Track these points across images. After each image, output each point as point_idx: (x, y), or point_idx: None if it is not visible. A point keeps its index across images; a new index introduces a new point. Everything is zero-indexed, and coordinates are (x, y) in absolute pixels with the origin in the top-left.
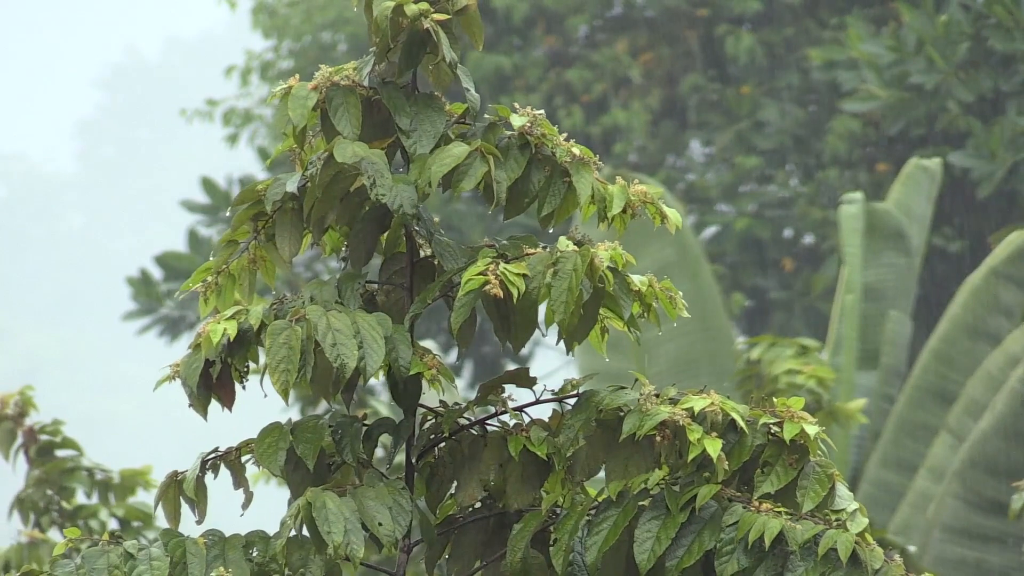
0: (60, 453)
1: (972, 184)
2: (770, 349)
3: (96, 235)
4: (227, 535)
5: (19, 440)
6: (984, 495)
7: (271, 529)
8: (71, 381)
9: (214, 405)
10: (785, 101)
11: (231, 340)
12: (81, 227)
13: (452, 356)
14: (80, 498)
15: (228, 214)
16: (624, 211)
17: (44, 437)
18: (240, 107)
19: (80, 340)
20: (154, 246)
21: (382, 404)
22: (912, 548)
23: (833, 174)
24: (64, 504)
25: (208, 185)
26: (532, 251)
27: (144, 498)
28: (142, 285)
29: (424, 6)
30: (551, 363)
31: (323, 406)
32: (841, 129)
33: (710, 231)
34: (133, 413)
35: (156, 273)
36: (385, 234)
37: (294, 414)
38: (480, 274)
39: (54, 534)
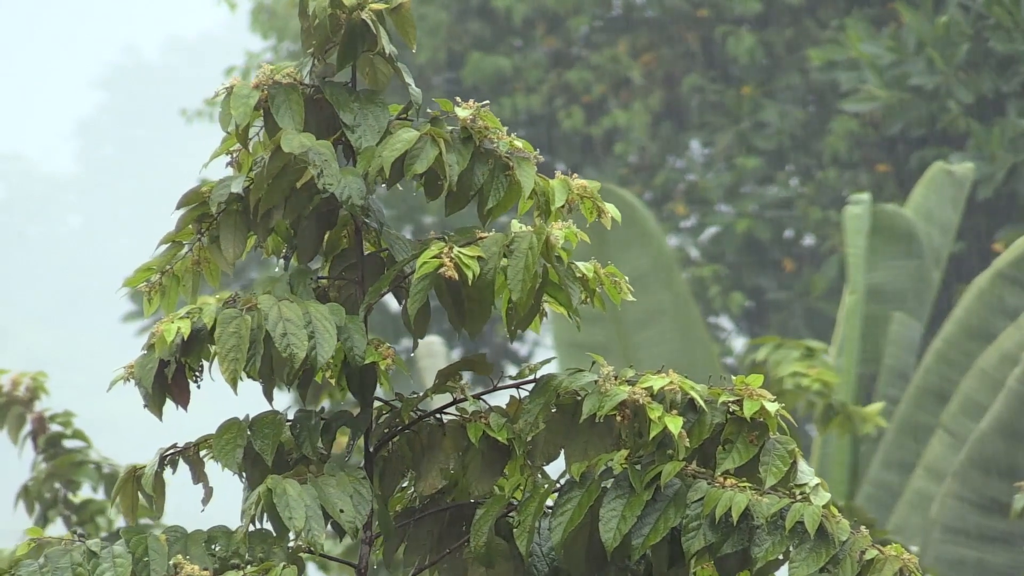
0: (68, 444)
1: (972, 185)
2: (776, 350)
3: (95, 235)
4: (190, 531)
5: (28, 426)
6: (985, 495)
7: (237, 524)
8: (70, 381)
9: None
10: (785, 102)
11: (185, 339)
12: (80, 227)
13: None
14: (86, 491)
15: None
16: (562, 207)
17: (55, 427)
18: None
19: (79, 340)
20: (153, 246)
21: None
22: (914, 548)
23: (833, 175)
24: (71, 497)
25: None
26: (484, 235)
27: None
28: None
29: None
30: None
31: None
32: (841, 130)
33: (711, 232)
34: (132, 414)
35: None
36: (331, 231)
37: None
38: (435, 257)
39: (60, 526)
